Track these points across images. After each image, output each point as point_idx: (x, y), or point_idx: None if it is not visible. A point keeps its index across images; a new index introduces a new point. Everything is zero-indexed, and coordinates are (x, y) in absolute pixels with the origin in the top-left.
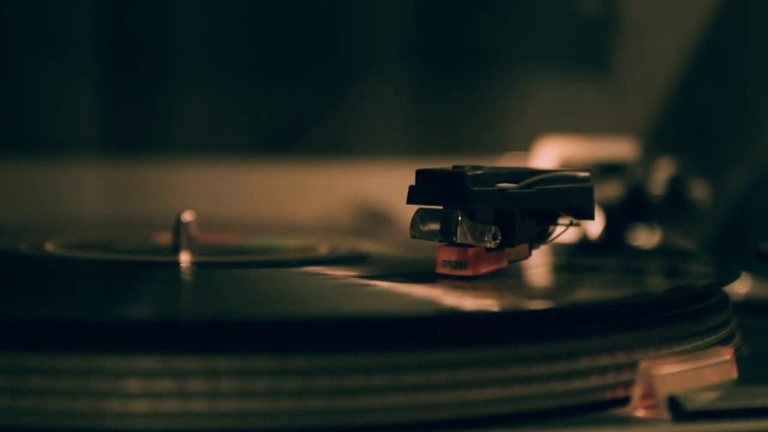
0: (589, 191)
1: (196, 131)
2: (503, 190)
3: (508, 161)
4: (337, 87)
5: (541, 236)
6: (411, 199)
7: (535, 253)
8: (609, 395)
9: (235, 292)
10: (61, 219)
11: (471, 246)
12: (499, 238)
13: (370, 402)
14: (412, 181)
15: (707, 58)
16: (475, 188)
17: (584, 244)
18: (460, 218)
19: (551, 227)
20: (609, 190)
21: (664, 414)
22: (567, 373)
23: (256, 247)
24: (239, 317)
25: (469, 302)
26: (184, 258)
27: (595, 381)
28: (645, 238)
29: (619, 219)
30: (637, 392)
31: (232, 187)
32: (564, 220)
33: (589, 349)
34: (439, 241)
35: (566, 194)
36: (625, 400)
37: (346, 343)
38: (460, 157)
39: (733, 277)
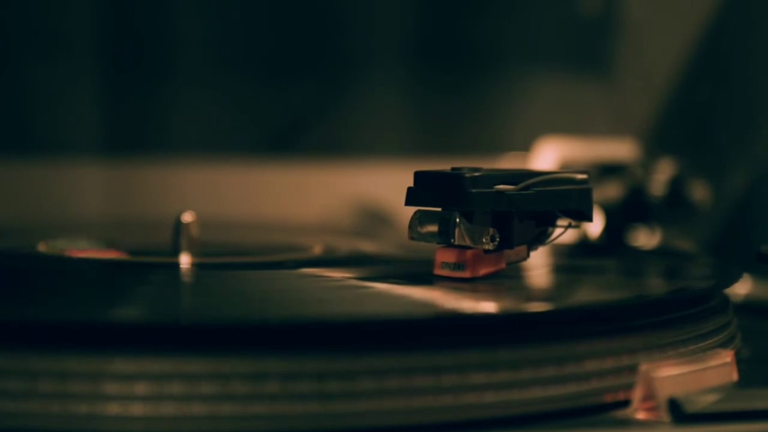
0: (588, 193)
1: (196, 131)
2: (501, 192)
3: (508, 162)
4: (337, 87)
5: (539, 238)
6: (409, 200)
7: (535, 254)
8: (609, 398)
9: (232, 294)
10: (61, 219)
11: (469, 248)
12: (498, 239)
13: (368, 404)
14: (412, 182)
15: (707, 59)
16: (473, 190)
17: (584, 244)
18: (458, 220)
19: (550, 229)
20: (609, 191)
21: (665, 416)
22: (566, 376)
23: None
24: (231, 319)
25: (467, 305)
26: (184, 259)
27: (595, 383)
28: (645, 239)
29: (619, 220)
30: (637, 395)
31: (232, 187)
32: (563, 222)
33: (588, 352)
34: (438, 243)
35: (564, 196)
36: (626, 403)
37: (343, 345)
38: (459, 157)
39: (734, 279)
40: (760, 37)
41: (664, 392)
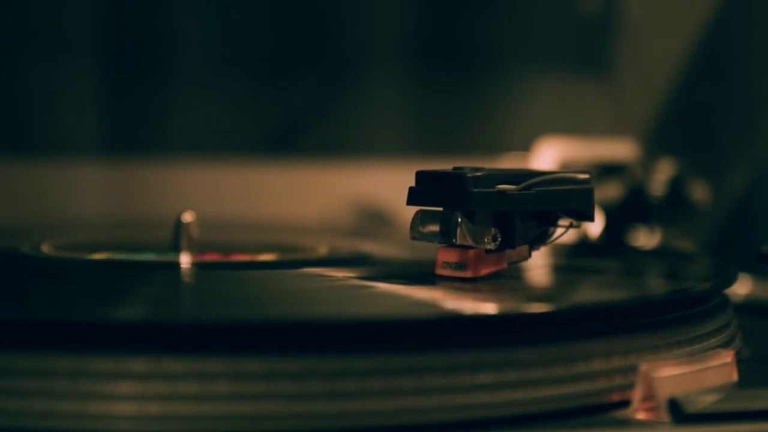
0: (589, 193)
1: (196, 131)
2: (503, 192)
3: (509, 162)
4: (337, 87)
5: (541, 238)
6: (411, 200)
7: (536, 254)
8: (609, 398)
9: (232, 295)
10: (61, 219)
11: (471, 247)
12: (499, 239)
13: (367, 405)
14: (412, 181)
15: (707, 58)
16: (475, 190)
17: (584, 245)
18: (459, 220)
19: (551, 229)
20: (609, 191)
21: (665, 416)
22: (567, 376)
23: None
24: (232, 319)
25: (468, 305)
26: (184, 259)
27: (595, 383)
28: (645, 239)
29: (619, 220)
30: (637, 395)
31: (232, 187)
32: (564, 222)
33: (589, 352)
34: (439, 243)
35: (566, 196)
36: (626, 403)
37: (342, 346)
38: (460, 157)
39: (734, 279)
40: (760, 37)
41: (664, 392)
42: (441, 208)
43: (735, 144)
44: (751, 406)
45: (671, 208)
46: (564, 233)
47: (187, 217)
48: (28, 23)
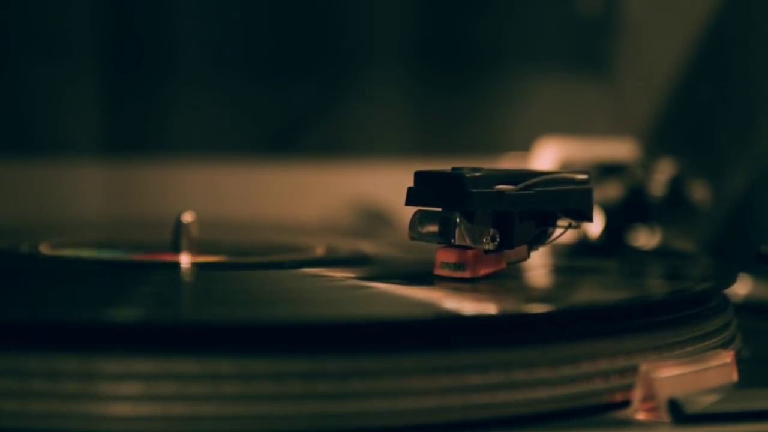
0: (588, 193)
1: (196, 131)
2: (502, 193)
3: (508, 162)
4: (337, 87)
5: (540, 238)
6: (409, 200)
7: (535, 254)
8: (609, 398)
9: (233, 294)
10: (62, 219)
11: (470, 248)
12: (498, 240)
13: (367, 405)
14: (412, 182)
15: (707, 58)
16: (474, 190)
17: (584, 245)
18: (458, 220)
19: (550, 229)
20: (609, 191)
21: (665, 417)
22: (566, 376)
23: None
24: (234, 320)
25: (468, 305)
26: (184, 259)
27: (595, 384)
28: (645, 239)
29: (619, 220)
30: (637, 395)
31: (232, 187)
32: (563, 222)
33: (588, 352)
34: (438, 243)
35: (565, 196)
36: (626, 403)
37: (343, 346)
38: (459, 157)
39: (734, 279)
40: (760, 37)
41: (665, 393)
42: (440, 209)
43: (735, 144)
44: (751, 406)
45: (671, 208)
46: (563, 233)
47: (187, 217)
48: (28, 23)
